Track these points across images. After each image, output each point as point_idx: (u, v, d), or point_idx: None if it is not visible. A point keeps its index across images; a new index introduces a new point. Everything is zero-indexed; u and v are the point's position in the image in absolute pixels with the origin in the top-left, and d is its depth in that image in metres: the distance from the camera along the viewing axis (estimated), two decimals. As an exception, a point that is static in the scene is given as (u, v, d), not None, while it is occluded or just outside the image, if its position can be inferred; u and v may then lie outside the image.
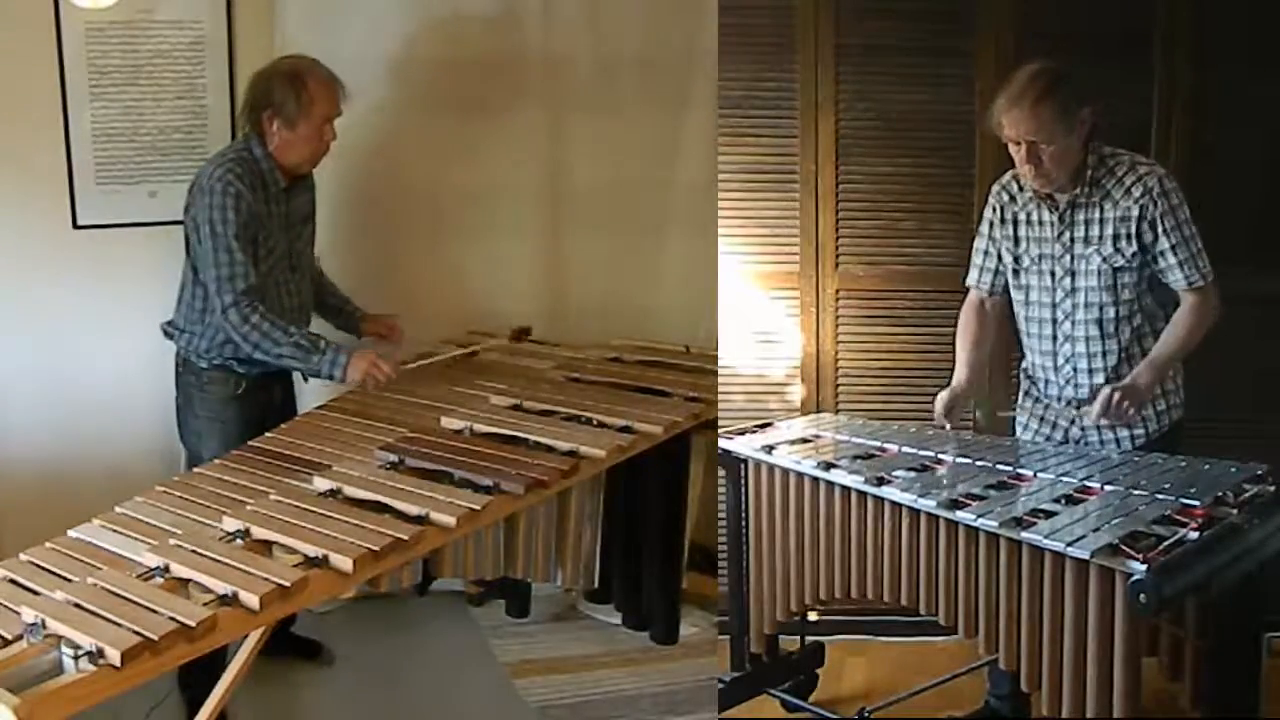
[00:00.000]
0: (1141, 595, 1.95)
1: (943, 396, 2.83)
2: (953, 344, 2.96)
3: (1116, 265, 2.71)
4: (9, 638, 1.97)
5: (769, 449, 2.89)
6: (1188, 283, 2.68)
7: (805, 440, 2.97)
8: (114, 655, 1.86)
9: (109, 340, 3.37)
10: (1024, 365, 2.97)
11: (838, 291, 3.62)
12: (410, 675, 3.38)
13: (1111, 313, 2.74)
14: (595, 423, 2.98)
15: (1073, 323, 2.78)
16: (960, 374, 2.89)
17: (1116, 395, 2.60)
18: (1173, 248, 2.66)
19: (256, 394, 3.15)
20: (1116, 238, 2.69)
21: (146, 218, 3.36)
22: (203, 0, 3.36)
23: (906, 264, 3.61)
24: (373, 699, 3.27)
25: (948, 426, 2.83)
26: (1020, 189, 2.82)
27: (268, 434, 2.95)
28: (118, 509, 2.51)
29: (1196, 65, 3.41)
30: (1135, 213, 2.66)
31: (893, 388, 3.63)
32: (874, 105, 3.56)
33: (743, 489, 3.00)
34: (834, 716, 3.05)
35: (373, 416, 3.05)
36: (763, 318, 3.64)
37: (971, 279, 2.96)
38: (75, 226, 3.34)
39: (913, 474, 2.60)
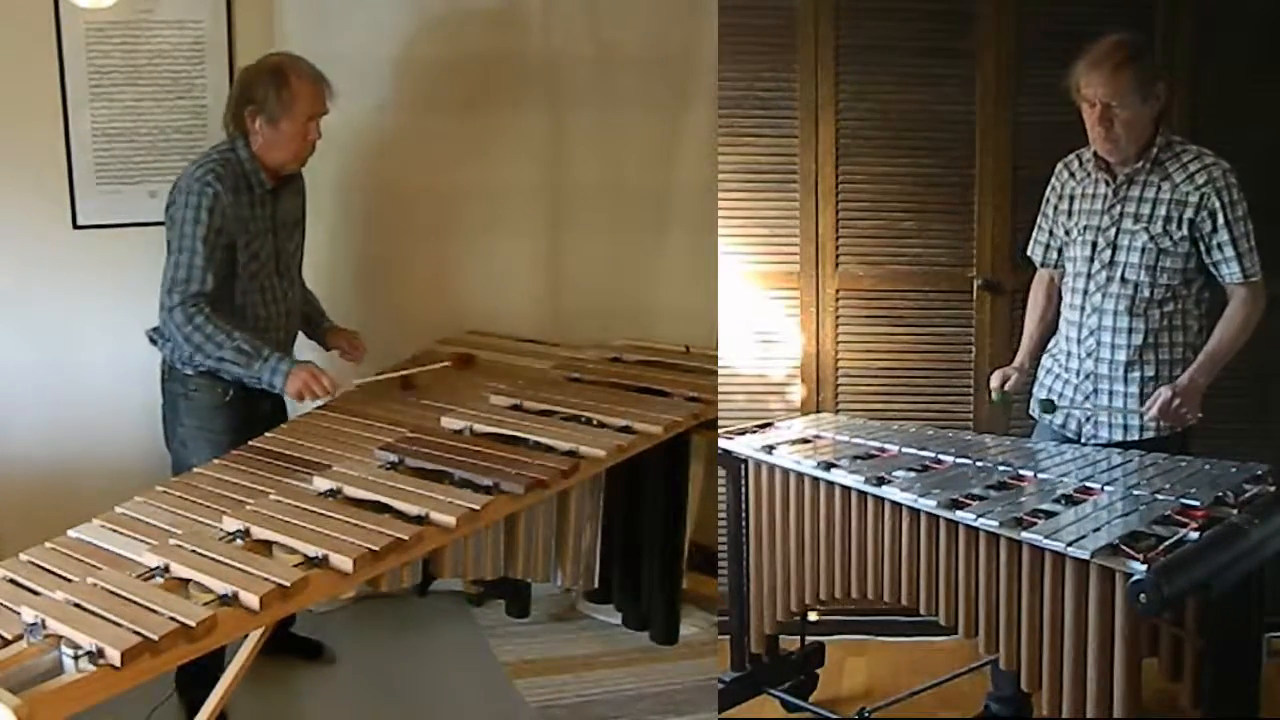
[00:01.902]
0: (1141, 595, 1.95)
1: (999, 374, 2.91)
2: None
3: (1163, 246, 2.71)
4: (9, 638, 1.97)
5: (769, 449, 2.89)
6: (1244, 275, 2.69)
7: (805, 440, 2.97)
8: (114, 655, 1.86)
9: (109, 340, 3.37)
10: (1048, 347, 2.98)
11: (838, 291, 3.62)
12: (410, 675, 3.38)
13: (1146, 292, 2.74)
14: (595, 423, 2.98)
15: (1104, 295, 2.78)
16: (1021, 354, 2.98)
17: (1176, 400, 2.63)
18: (1232, 240, 2.68)
19: (244, 403, 3.05)
20: (1168, 219, 2.71)
21: (146, 218, 3.36)
22: (203, 0, 3.36)
23: (906, 264, 3.61)
24: (373, 699, 3.27)
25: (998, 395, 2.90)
26: (1080, 164, 2.85)
27: (268, 434, 2.95)
28: (118, 509, 2.51)
29: (1196, 65, 3.41)
30: (1195, 199, 2.68)
31: (893, 388, 3.63)
32: (874, 105, 3.56)
33: (743, 489, 3.00)
34: (834, 716, 3.05)
35: (373, 416, 3.05)
36: (763, 318, 3.64)
37: (1035, 256, 3.01)
38: (75, 226, 3.35)
39: (913, 474, 2.60)
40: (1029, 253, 3.02)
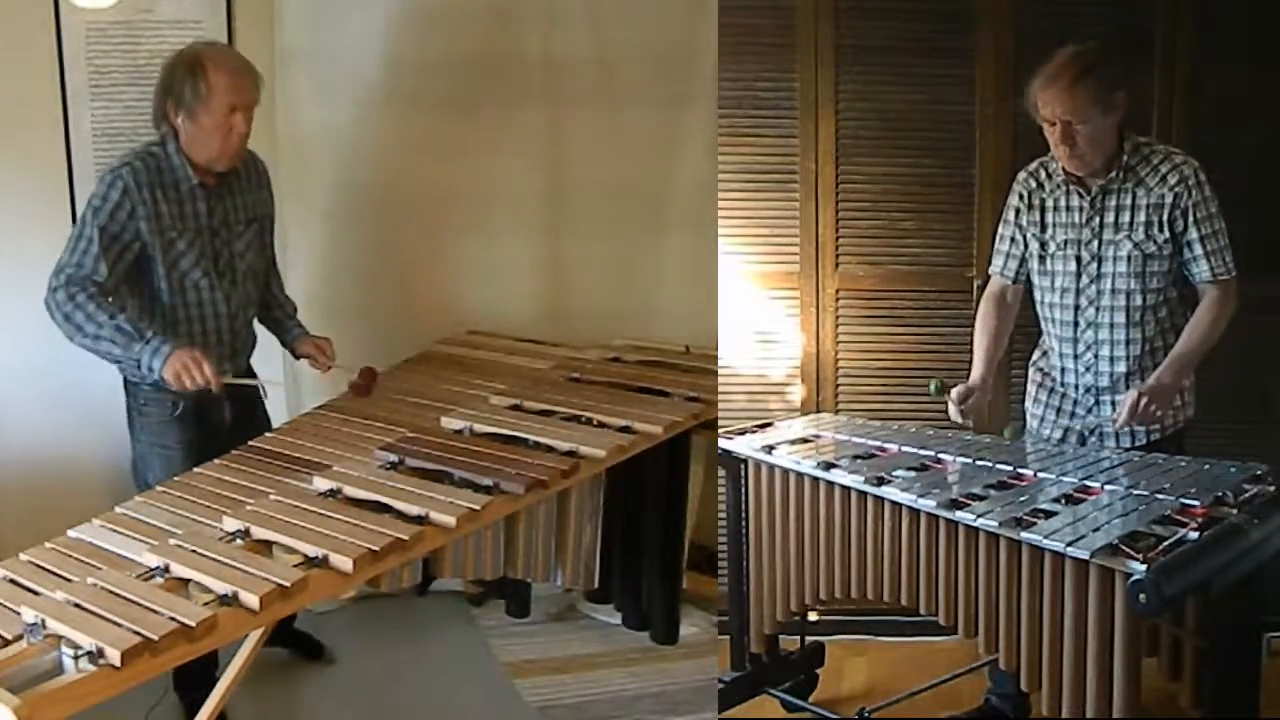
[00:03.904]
0: (1141, 595, 1.95)
1: (958, 390, 2.83)
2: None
3: (1148, 252, 2.71)
4: (9, 638, 1.97)
5: (769, 449, 2.89)
6: (1213, 274, 2.69)
7: (805, 440, 2.97)
8: (114, 655, 1.86)
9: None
10: (1033, 359, 2.98)
11: (838, 291, 3.62)
12: (410, 675, 3.38)
13: (1139, 300, 2.74)
14: (595, 423, 2.98)
15: (1097, 309, 2.78)
16: (977, 370, 2.91)
17: (1144, 400, 2.62)
18: (1202, 238, 2.67)
19: (199, 415, 2.92)
20: (1149, 224, 2.70)
21: (146, 218, 3.36)
22: (203, 0, 3.36)
23: (906, 264, 3.61)
24: (373, 699, 3.27)
25: (961, 420, 2.83)
26: (1049, 175, 2.83)
27: (268, 434, 2.95)
28: (118, 509, 2.51)
29: (1197, 65, 3.41)
30: (1169, 199, 2.67)
31: (893, 388, 3.63)
32: (874, 105, 3.55)
33: (743, 489, 3.00)
34: (834, 716, 3.05)
35: (373, 416, 3.05)
36: (763, 318, 3.64)
37: (995, 266, 2.97)
38: (75, 226, 3.35)
39: (913, 474, 2.60)
40: (991, 267, 2.98)
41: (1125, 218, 2.72)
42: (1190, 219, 2.67)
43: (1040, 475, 2.48)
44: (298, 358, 3.26)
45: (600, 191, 3.79)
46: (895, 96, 3.55)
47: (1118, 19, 3.41)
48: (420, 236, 3.71)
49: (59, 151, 3.30)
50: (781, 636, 3.13)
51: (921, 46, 3.51)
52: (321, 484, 2.57)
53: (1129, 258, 2.72)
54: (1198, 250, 2.69)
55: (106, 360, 2.88)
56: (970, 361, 3.04)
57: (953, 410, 2.84)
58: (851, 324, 3.63)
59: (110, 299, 2.82)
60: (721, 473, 3.11)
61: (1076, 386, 2.84)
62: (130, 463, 3.05)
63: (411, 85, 3.57)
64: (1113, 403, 2.79)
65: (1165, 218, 2.68)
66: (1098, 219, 2.75)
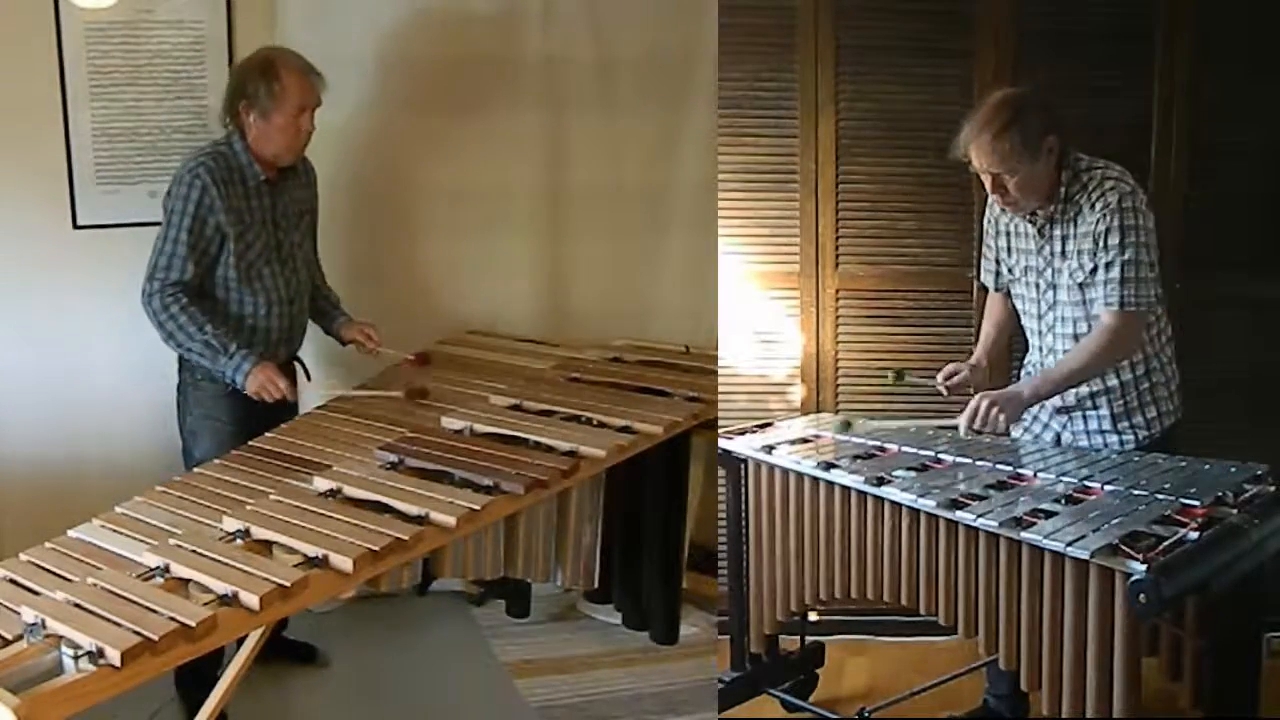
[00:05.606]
0: (1141, 595, 1.95)
1: (951, 366, 2.88)
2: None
3: (1080, 281, 2.70)
4: (9, 638, 1.97)
5: (769, 449, 2.89)
6: (1105, 303, 2.63)
7: (805, 440, 2.97)
8: (114, 655, 1.86)
9: (109, 340, 3.37)
10: (1025, 362, 2.99)
11: (838, 291, 3.62)
12: (410, 675, 3.38)
13: (1084, 327, 2.73)
14: (595, 423, 2.98)
15: (1053, 335, 2.80)
16: (977, 352, 2.96)
17: (985, 404, 2.62)
18: (1106, 265, 2.62)
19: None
20: (1081, 253, 2.68)
21: (146, 218, 3.35)
22: (203, 0, 3.36)
23: (906, 264, 3.61)
24: (372, 699, 3.27)
25: (946, 394, 2.87)
26: None
27: (268, 434, 2.95)
28: (118, 509, 2.51)
29: (1196, 64, 3.41)
30: (1097, 228, 2.63)
31: (893, 388, 3.62)
32: (874, 105, 3.56)
33: (743, 489, 3.00)
34: (834, 716, 3.05)
35: (373, 416, 3.05)
36: (763, 318, 3.64)
37: (988, 282, 3.01)
38: (75, 226, 3.35)
39: (913, 474, 2.60)
40: (981, 279, 3.01)
41: (1069, 246, 2.71)
42: (1101, 245, 2.62)
43: (1040, 475, 2.48)
44: (344, 344, 3.39)
45: (600, 192, 3.80)
46: (895, 96, 3.55)
47: (1118, 18, 3.41)
48: (420, 237, 3.71)
49: (59, 151, 3.30)
50: (781, 636, 3.13)
51: (921, 46, 3.51)
52: (321, 484, 2.57)
53: (1068, 287, 2.73)
54: (1099, 276, 2.63)
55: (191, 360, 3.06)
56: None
57: (940, 384, 2.88)
58: (851, 324, 3.63)
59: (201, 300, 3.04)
60: (721, 473, 3.11)
61: (1043, 406, 2.85)
62: (181, 435, 3.15)
63: (412, 85, 3.57)
64: (1084, 417, 2.80)
65: (1094, 245, 2.65)
66: (1047, 247, 2.76)
